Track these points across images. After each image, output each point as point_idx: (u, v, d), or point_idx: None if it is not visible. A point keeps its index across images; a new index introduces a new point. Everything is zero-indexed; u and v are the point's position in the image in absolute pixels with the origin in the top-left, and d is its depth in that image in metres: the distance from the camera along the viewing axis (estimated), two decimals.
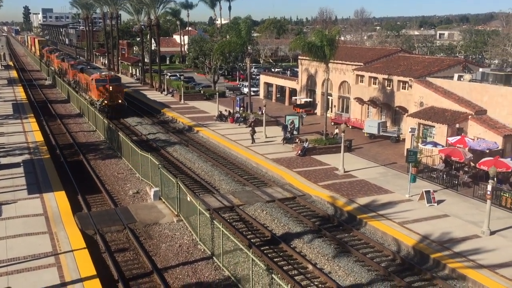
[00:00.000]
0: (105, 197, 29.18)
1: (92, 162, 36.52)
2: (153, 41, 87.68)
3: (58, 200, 26.74)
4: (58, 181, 30.06)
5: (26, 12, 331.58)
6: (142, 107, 60.50)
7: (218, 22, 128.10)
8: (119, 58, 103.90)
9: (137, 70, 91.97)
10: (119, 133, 37.80)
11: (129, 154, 34.46)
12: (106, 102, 51.24)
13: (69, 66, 71.28)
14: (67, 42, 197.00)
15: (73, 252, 20.56)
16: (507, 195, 27.23)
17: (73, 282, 18.17)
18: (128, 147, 34.54)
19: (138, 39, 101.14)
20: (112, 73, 64.54)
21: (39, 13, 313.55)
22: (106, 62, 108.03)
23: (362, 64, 49.80)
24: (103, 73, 54.64)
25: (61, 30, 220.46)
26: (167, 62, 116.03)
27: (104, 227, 24.21)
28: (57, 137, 45.16)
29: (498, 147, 32.74)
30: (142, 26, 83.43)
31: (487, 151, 32.21)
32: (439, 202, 27.83)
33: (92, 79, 52.95)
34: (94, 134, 46.11)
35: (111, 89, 51.44)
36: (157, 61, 78.50)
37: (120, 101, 52.17)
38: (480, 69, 40.11)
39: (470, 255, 21.29)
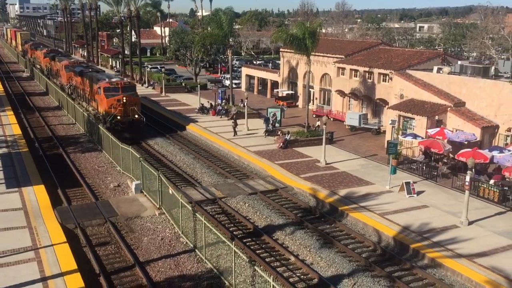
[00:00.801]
0: (86, 190, 28.86)
1: (72, 155, 36.05)
2: (133, 32, 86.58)
3: (37, 194, 26.36)
4: (37, 174, 29.62)
5: (3, 2, 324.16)
6: None
7: (199, 13, 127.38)
8: (99, 50, 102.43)
9: (117, 62, 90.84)
10: (99, 126, 37.37)
11: (110, 147, 34.11)
12: (119, 117, 37.82)
13: (62, 67, 57.42)
14: (45, 33, 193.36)
15: (53, 247, 20.32)
16: (485, 186, 27.75)
17: (54, 276, 17.97)
18: (108, 140, 34.17)
19: (118, 30, 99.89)
20: (125, 79, 50.05)
21: (16, 4, 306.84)
22: (86, 54, 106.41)
23: (343, 56, 50.03)
24: (114, 80, 41.46)
25: (39, 21, 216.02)
26: (148, 54, 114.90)
27: (84, 221, 23.97)
28: (36, 130, 44.41)
29: (476, 139, 33.31)
30: (122, 18, 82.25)
31: (466, 142, 32.75)
32: (419, 193, 28.24)
33: (99, 87, 40.16)
34: (73, 127, 45.48)
35: (125, 100, 38.08)
36: (137, 53, 77.63)
37: (136, 116, 38.55)
38: (459, 62, 40.68)
39: (448, 245, 21.68)
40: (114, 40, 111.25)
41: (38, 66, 77.99)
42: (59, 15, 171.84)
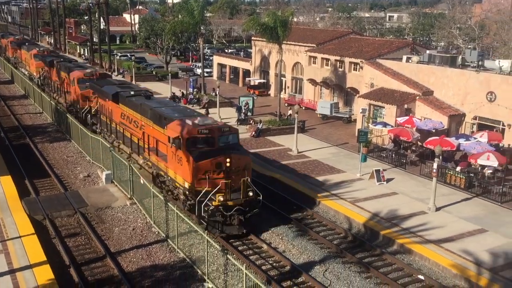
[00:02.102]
0: (54, 181, 28.28)
1: (39, 146, 35.22)
2: (102, 19, 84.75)
3: (3, 185, 25.71)
4: (4, 165, 28.86)
5: None
6: None
7: (169, 1, 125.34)
8: (66, 37, 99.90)
9: (86, 50, 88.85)
10: (67, 115, 36.59)
11: (79, 137, 33.46)
12: (221, 198, 20.39)
13: (74, 81, 37.62)
14: (9, 20, 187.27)
15: (21, 238, 19.89)
16: (452, 173, 28.46)
17: (22, 268, 17.63)
18: (77, 130, 33.51)
19: (86, 17, 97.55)
20: (216, 121, 24.88)
21: None
22: (52, 41, 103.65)
23: (314, 45, 50.21)
24: (203, 122, 22.23)
25: (3, 7, 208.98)
26: (117, 42, 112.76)
27: (53, 212, 23.51)
28: (1, 119, 43.16)
29: (443, 127, 34.07)
30: (90, 4, 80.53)
31: (433, 130, 33.46)
32: (388, 180, 28.75)
33: (179, 137, 21.21)
34: (40, 116, 44.39)
35: (228, 164, 20.61)
36: (106, 40, 76.10)
37: (250, 193, 21.08)
38: (427, 51, 41.35)
39: (417, 231, 22.19)
40: (82, 27, 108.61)
41: (25, 72, 61.56)
42: (24, 1, 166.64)
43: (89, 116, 35.50)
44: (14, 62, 69.21)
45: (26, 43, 67.17)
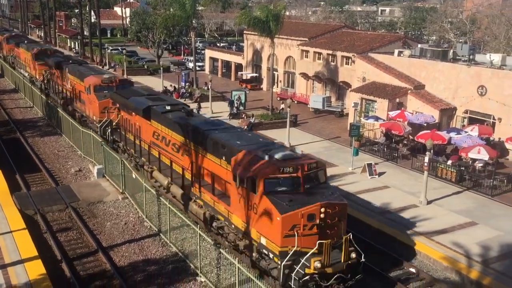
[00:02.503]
0: (45, 176, 28.10)
1: (30, 140, 34.96)
2: (92, 13, 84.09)
3: None
4: None
5: None
6: None
7: None
8: (57, 30, 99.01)
9: (76, 43, 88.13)
10: (58, 109, 36.32)
11: (70, 131, 33.24)
12: (318, 264, 15.06)
13: (90, 88, 32.60)
14: None
15: (12, 233, 19.76)
16: (443, 166, 28.63)
17: (14, 263, 17.53)
18: (68, 124, 33.29)
19: (76, 10, 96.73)
20: (297, 152, 18.07)
21: None
22: (42, 34, 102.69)
23: (306, 39, 50.16)
24: (285, 156, 16.92)
25: None
26: (108, 36, 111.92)
27: (44, 206, 23.39)
28: None
29: (435, 121, 34.24)
30: None
31: (425, 124, 33.63)
32: (380, 174, 28.88)
33: (252, 177, 16.33)
34: (31, 111, 44.03)
35: (323, 214, 15.47)
36: (97, 34, 75.49)
37: (353, 254, 15.95)
38: (419, 45, 41.49)
39: (408, 224, 22.32)
40: (73, 20, 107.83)
41: (32, 78, 52.56)
42: None
43: (109, 130, 30.07)
44: (11, 62, 63.24)
45: (25, 41, 61.46)
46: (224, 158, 18.08)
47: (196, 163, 20.17)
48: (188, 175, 21.01)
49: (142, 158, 25.68)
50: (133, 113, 25.92)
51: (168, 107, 23.66)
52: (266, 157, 16.59)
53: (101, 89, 32.05)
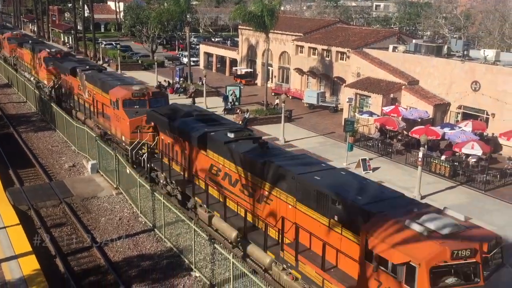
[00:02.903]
0: (39, 171, 27.98)
1: (23, 135, 34.78)
2: (86, 7, 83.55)
3: None
4: None
5: None
6: None
7: None
8: (50, 25, 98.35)
9: (70, 38, 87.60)
10: (52, 104, 36.12)
11: (64, 126, 33.09)
12: None
13: (118, 103, 27.33)
14: None
15: (6, 229, 19.69)
16: (437, 162, 28.76)
17: (8, 259, 17.48)
18: (62, 119, 33.13)
19: (69, 5, 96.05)
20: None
21: None
22: (36, 29, 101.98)
23: (301, 34, 50.11)
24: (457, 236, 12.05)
25: None
26: (102, 30, 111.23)
27: (38, 202, 23.30)
28: None
29: (429, 116, 34.36)
30: None
31: (419, 120, 33.73)
32: (375, 169, 28.97)
33: (416, 264, 11.07)
34: (24, 106, 43.78)
35: None
36: (91, 28, 75.07)
37: None
38: (414, 41, 41.57)
39: None
40: (66, 14, 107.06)
41: (36, 81, 48.46)
42: None
43: (144, 156, 24.98)
44: (14, 63, 57.86)
45: (30, 41, 54.79)
46: (345, 223, 13.10)
47: (285, 213, 15.29)
48: (272, 233, 16.21)
49: (196, 198, 20.59)
50: (181, 138, 21.15)
51: (231, 135, 18.76)
52: (424, 231, 11.54)
53: (131, 103, 26.88)
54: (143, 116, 25.54)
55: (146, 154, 25.00)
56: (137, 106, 26.59)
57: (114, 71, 55.21)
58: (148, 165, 24.53)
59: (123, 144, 27.58)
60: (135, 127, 25.95)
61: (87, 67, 35.61)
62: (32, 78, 49.28)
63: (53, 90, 41.44)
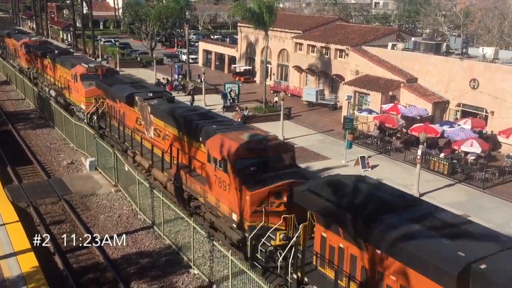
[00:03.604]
0: (37, 168, 27.96)
1: (22, 132, 34.73)
2: (84, 4, 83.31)
3: None
4: None
5: None
6: None
7: None
8: (48, 22, 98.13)
9: (69, 35, 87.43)
10: (50, 101, 36.06)
11: (62, 124, 33.05)
12: None
13: (225, 164, 17.07)
14: None
15: (5, 226, 19.69)
16: (435, 159, 28.79)
17: (7, 256, 17.48)
18: (61, 116, 33.09)
19: (68, 1, 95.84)
20: None
21: None
22: (34, 26, 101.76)
23: (300, 32, 50.05)
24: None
25: None
26: (101, 27, 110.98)
27: (37, 199, 23.29)
28: None
29: (428, 114, 34.38)
30: None
31: (418, 117, 33.75)
32: (373, 167, 28.99)
33: None
34: (23, 103, 43.71)
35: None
36: (89, 25, 74.86)
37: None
38: (413, 38, 41.54)
39: None
40: (65, 11, 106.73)
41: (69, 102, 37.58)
42: None
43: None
44: (34, 77, 46.44)
45: (55, 50, 43.09)
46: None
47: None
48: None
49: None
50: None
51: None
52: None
53: (243, 161, 17.30)
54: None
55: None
56: (246, 159, 17.52)
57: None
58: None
59: (212, 209, 19.76)
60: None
61: (150, 93, 25.89)
62: (58, 97, 38.26)
63: (94, 117, 31.46)
